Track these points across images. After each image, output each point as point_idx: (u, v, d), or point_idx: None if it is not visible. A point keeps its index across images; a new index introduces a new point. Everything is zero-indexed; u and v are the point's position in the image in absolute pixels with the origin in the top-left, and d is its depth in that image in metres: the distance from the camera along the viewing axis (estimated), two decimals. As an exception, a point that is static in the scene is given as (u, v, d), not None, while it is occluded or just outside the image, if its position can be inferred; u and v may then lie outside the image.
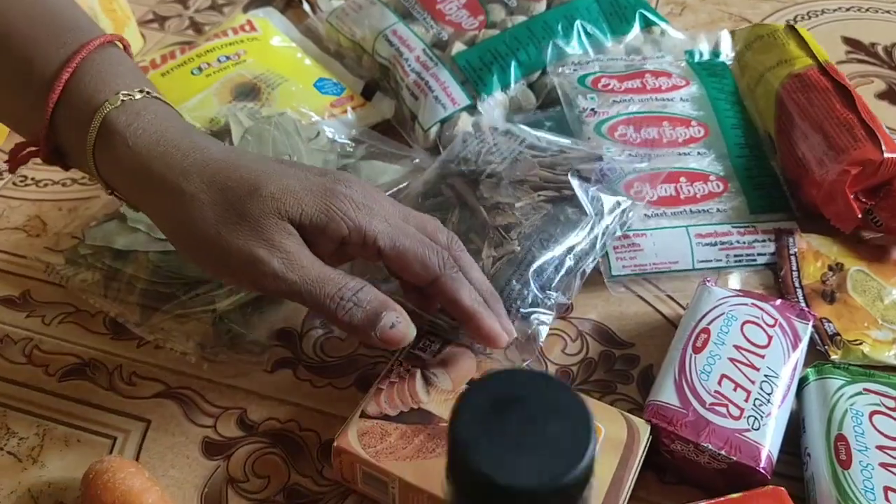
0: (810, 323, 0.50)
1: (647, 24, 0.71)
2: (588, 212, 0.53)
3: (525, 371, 0.27)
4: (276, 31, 0.74)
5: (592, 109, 0.63)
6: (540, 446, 0.24)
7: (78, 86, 0.45)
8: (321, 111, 0.66)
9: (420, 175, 0.59)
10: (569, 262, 0.52)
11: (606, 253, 0.56)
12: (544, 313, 0.51)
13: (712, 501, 0.41)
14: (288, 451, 0.49)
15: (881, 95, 0.72)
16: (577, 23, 0.68)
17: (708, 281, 0.52)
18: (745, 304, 0.50)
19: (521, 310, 0.50)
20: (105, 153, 0.45)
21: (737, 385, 0.46)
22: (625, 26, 0.70)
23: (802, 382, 0.49)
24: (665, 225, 0.58)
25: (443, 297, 0.46)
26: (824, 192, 0.57)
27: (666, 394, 0.46)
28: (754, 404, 0.45)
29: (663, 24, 0.71)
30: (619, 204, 0.55)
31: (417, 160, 0.63)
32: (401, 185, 0.60)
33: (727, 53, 0.70)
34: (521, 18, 0.69)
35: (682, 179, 0.60)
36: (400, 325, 0.44)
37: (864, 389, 0.47)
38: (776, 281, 0.57)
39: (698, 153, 0.61)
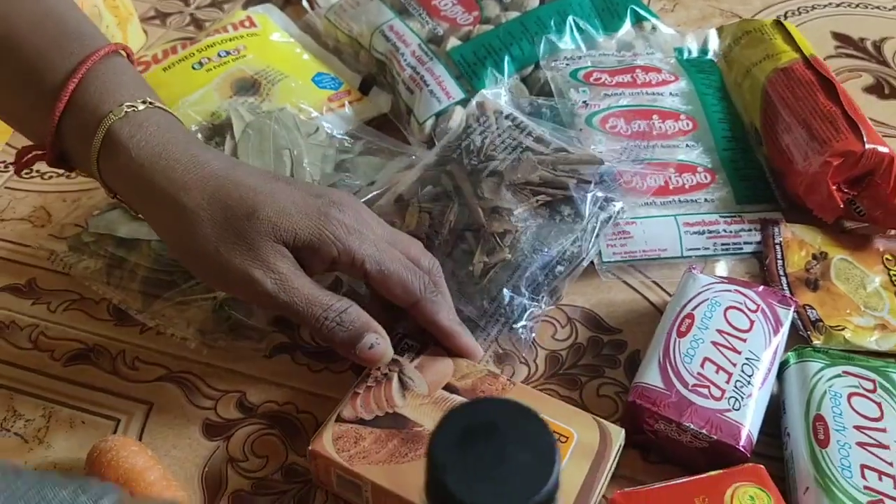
0: (792, 308, 0.51)
1: (639, 20, 0.72)
2: (583, 215, 0.55)
3: (500, 400, 0.30)
4: (275, 27, 0.75)
5: (584, 102, 0.64)
6: (507, 473, 0.27)
7: (83, 96, 0.47)
8: (319, 105, 0.67)
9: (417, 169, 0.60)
10: (559, 268, 0.54)
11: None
12: (533, 316, 0.53)
13: (694, 478, 0.43)
14: (286, 432, 0.50)
15: (869, 89, 0.73)
16: (570, 18, 0.69)
17: (693, 268, 0.54)
18: (729, 291, 0.51)
19: (512, 316, 0.52)
20: (109, 163, 0.47)
21: (719, 367, 0.47)
22: (616, 22, 0.71)
23: (783, 365, 0.50)
24: (654, 214, 0.59)
25: (422, 318, 0.49)
26: (807, 183, 0.58)
27: (650, 376, 0.47)
28: (735, 386, 0.47)
29: (654, 20, 0.72)
30: (614, 206, 0.56)
31: (414, 157, 0.64)
32: (396, 184, 0.61)
33: (715, 51, 0.71)
34: (514, 14, 0.70)
35: (671, 169, 0.61)
36: (378, 346, 0.46)
37: (844, 372, 0.48)
38: (761, 269, 0.58)
39: (687, 145, 0.63)
